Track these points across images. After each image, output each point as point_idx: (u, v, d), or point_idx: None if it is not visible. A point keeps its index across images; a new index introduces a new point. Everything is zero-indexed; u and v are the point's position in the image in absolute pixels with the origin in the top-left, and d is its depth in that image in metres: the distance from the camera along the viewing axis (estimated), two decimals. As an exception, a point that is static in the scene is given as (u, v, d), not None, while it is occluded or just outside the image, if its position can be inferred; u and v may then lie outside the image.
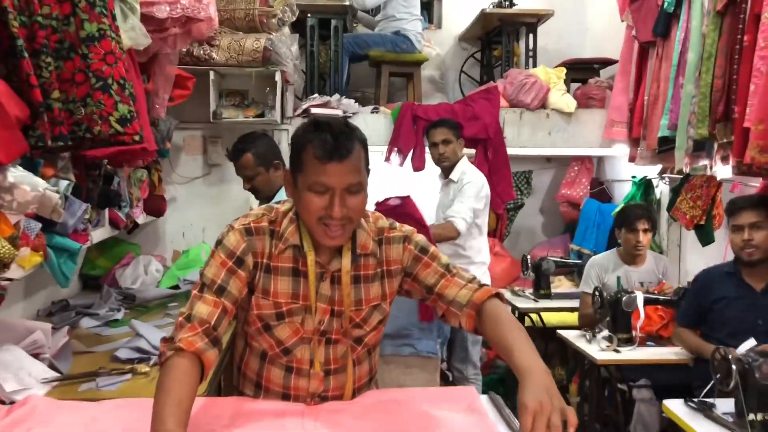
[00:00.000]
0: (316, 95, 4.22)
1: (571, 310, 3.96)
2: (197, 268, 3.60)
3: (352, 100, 4.23)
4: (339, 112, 4.10)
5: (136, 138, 1.93)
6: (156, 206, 3.53)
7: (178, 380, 1.31)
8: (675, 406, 2.30)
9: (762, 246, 2.67)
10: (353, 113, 4.15)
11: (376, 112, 4.25)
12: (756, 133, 2.48)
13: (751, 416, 2.05)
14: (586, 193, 5.29)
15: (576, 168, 5.37)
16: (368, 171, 1.51)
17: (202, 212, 4.02)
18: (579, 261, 4.31)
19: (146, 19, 2.42)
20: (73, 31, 1.78)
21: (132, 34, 2.28)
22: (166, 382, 1.31)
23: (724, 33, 2.84)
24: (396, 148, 4.05)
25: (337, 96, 4.15)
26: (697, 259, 3.86)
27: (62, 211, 1.83)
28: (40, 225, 1.86)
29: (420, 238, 1.65)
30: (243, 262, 1.50)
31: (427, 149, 3.94)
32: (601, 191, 5.35)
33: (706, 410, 2.21)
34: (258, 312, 1.54)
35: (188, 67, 3.52)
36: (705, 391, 2.40)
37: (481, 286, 1.59)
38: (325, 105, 4.11)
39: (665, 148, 3.37)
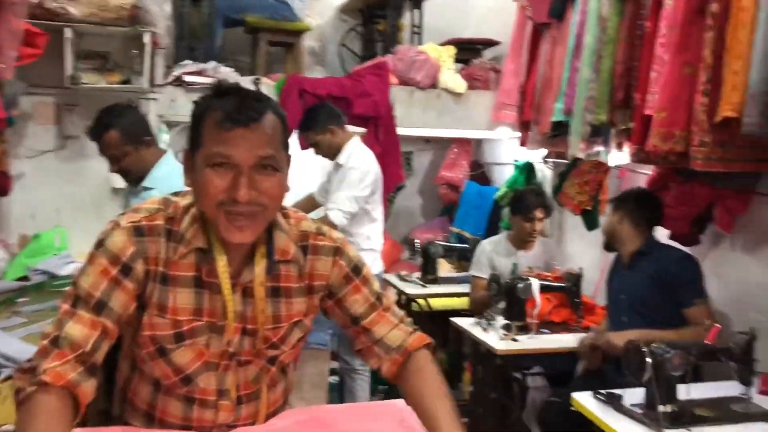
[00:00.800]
0: (188, 62, 3.81)
1: (459, 295, 3.90)
2: (50, 255, 3.16)
3: (231, 69, 3.87)
4: (214, 82, 3.72)
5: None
6: (0, 184, 3.03)
7: (45, 424, 1.03)
8: (584, 399, 2.25)
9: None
10: (233, 83, 3.78)
11: (258, 84, 3.91)
12: (658, 120, 2.47)
13: (661, 407, 2.04)
14: (466, 175, 5.28)
15: (456, 150, 5.34)
16: (288, 153, 1.24)
17: (56, 191, 3.51)
18: (467, 245, 4.25)
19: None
20: None
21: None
22: (28, 428, 1.03)
23: (625, 18, 2.81)
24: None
25: (213, 63, 3.77)
26: (578, 243, 3.93)
27: None
28: None
29: (353, 252, 1.39)
30: (131, 270, 1.20)
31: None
32: (481, 174, 5.36)
33: (615, 403, 2.17)
34: (151, 333, 1.24)
35: (39, 22, 3.02)
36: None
37: (415, 330, 1.37)
38: (199, 73, 3.72)
39: (558, 132, 3.34)
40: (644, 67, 2.67)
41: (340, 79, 4.03)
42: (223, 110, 1.14)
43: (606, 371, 2.72)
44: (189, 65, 3.71)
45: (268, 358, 1.33)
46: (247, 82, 3.88)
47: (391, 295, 4.49)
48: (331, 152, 3.34)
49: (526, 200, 3.40)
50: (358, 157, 3.27)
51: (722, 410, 2.14)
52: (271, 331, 1.30)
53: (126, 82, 3.42)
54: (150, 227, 1.22)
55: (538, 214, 3.37)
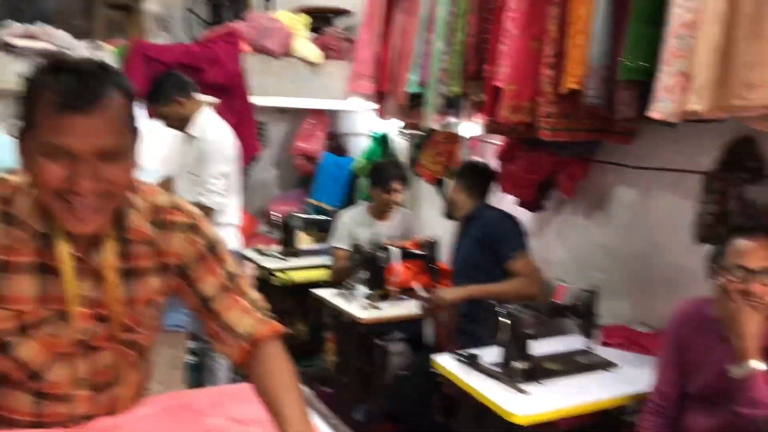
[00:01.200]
0: (14, 23, 3.43)
1: (319, 267, 3.89)
2: None
3: (65, 32, 3.54)
4: (47, 46, 3.39)
5: None
6: None
7: None
8: (444, 361, 2.33)
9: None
10: (67, 48, 3.47)
11: (96, 49, 3.61)
12: (508, 92, 2.57)
13: (516, 364, 2.16)
14: (322, 146, 5.24)
15: (312, 121, 5.28)
16: (135, 132, 1.13)
17: None
18: (326, 217, 4.24)
19: None
20: None
21: None
22: None
23: (476, -9, 2.89)
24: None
25: (44, 26, 3.42)
26: (434, 213, 4.04)
27: None
28: None
29: (210, 230, 1.31)
30: None
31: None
32: (337, 145, 5.35)
33: (473, 362, 2.27)
34: None
35: None
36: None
37: (267, 318, 1.31)
38: (27, 36, 3.36)
39: (414, 103, 3.39)
40: (494, 41, 2.75)
41: (189, 46, 3.82)
42: (58, 91, 1.01)
43: (457, 336, 2.84)
44: (15, 27, 3.34)
45: (126, 342, 1.24)
46: (82, 48, 3.57)
47: (248, 274, 4.39)
48: (180, 124, 3.18)
49: (384, 172, 3.44)
50: (214, 129, 3.14)
51: (568, 363, 2.31)
52: (126, 315, 1.21)
53: (-61, 43, 3.03)
54: None
55: (397, 185, 3.43)
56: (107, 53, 3.61)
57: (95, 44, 3.67)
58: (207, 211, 3.07)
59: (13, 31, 3.33)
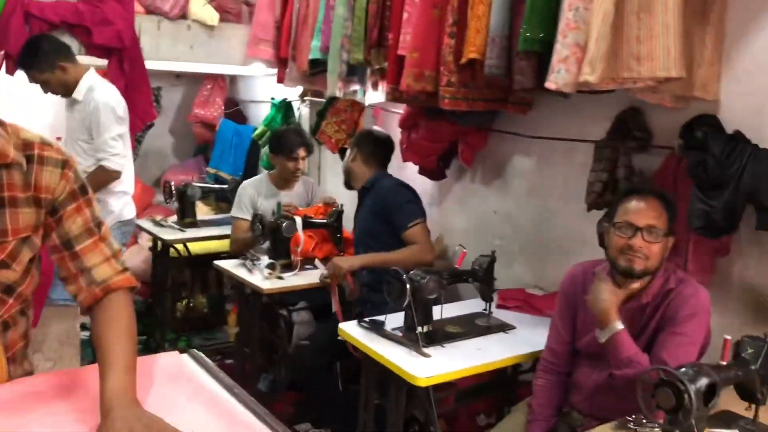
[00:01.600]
0: None
1: (219, 237, 3.81)
2: None
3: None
4: None
5: None
6: None
7: None
8: (349, 328, 2.34)
9: None
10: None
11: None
12: (411, 60, 2.57)
13: (419, 329, 2.20)
14: (220, 113, 5.10)
15: (209, 86, 5.12)
16: None
17: None
18: (225, 186, 4.13)
19: None
20: None
21: None
22: None
23: (378, -43, 2.86)
24: (3, 52, 3.24)
25: None
26: (338, 181, 4.03)
27: None
28: None
29: (80, 170, 1.31)
30: None
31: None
32: (236, 112, 5.21)
33: (378, 329, 2.30)
34: None
35: None
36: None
37: (125, 269, 1.34)
38: None
39: (316, 70, 3.35)
40: (397, 8, 2.75)
41: (75, 4, 3.57)
42: None
43: (359, 304, 2.87)
44: None
45: (3, 287, 1.22)
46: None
47: (108, 229, 4.23)
48: (65, 90, 3.01)
49: (287, 140, 3.38)
50: (102, 92, 2.98)
51: (468, 326, 2.39)
52: None
53: None
54: None
55: (301, 152, 3.38)
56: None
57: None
58: (113, 174, 2.97)
59: None
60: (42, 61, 2.94)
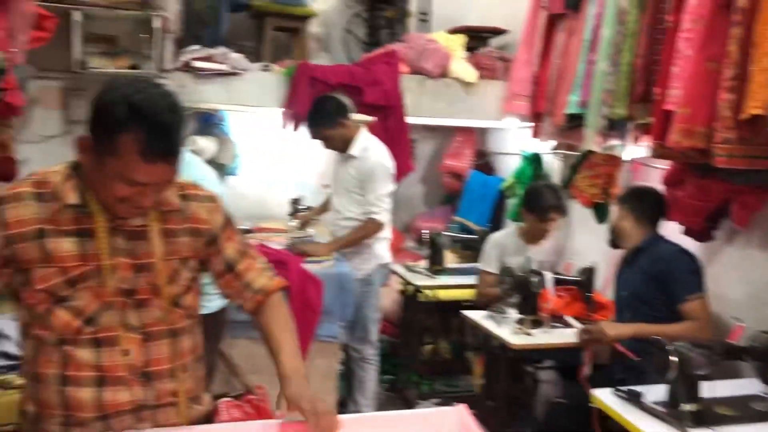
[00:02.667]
0: (197, 47, 3.74)
1: (464, 286, 3.89)
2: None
3: (241, 55, 3.80)
4: (225, 68, 3.66)
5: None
6: (6, 169, 2.97)
7: None
8: (604, 396, 2.24)
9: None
10: (242, 70, 3.73)
11: (267, 70, 3.86)
12: (681, 116, 2.44)
13: (684, 406, 2.03)
14: (470, 164, 5.24)
15: (460, 139, 5.30)
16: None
17: (62, 177, 3.44)
18: (474, 236, 4.22)
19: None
20: None
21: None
22: None
23: (646, 11, 2.78)
24: (292, 113, 3.70)
25: (223, 49, 3.70)
26: (588, 237, 3.91)
27: None
28: None
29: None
30: None
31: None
32: (485, 164, 5.32)
33: (636, 400, 2.16)
34: (44, 286, 1.31)
35: (48, 4, 2.93)
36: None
37: (274, 275, 1.62)
38: (208, 58, 3.65)
39: (573, 124, 3.31)
40: (666, 62, 2.63)
41: (350, 67, 3.97)
42: (146, 137, 1.20)
43: (613, 369, 2.71)
44: (198, 50, 3.64)
45: (171, 299, 1.42)
46: (256, 69, 3.82)
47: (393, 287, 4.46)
48: (343, 145, 3.32)
49: (542, 200, 3.32)
50: (376, 151, 3.26)
51: (744, 409, 2.14)
52: (163, 264, 1.40)
53: (134, 67, 3.36)
54: (14, 194, 1.31)
55: (554, 215, 3.34)
56: (276, 74, 3.84)
57: (266, 66, 3.90)
58: (381, 226, 3.24)
59: (196, 54, 3.62)
60: (327, 118, 3.28)
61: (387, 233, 3.42)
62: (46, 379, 1.34)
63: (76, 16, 3.16)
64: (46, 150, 3.47)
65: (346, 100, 3.40)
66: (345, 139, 3.28)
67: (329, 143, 3.33)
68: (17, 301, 1.36)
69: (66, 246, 1.31)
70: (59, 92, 3.43)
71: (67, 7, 3.10)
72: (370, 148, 3.24)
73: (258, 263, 1.59)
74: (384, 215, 3.24)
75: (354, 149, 3.25)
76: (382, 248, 3.40)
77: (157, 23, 3.27)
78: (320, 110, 3.31)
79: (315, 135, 3.34)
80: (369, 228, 3.28)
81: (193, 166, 3.09)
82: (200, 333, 1.54)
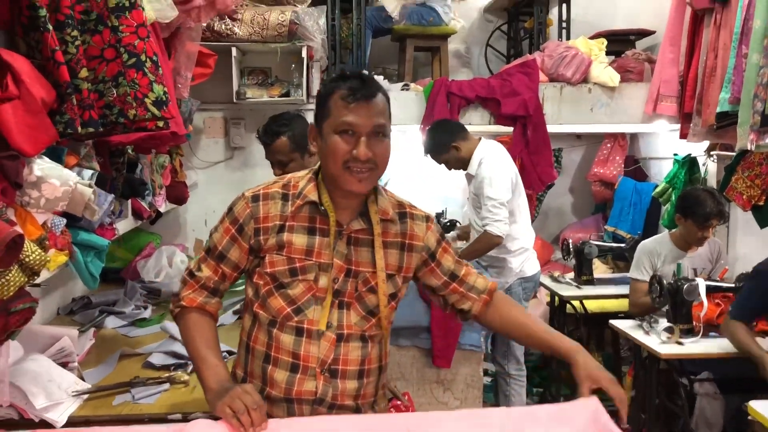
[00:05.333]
0: (341, 74, 3.97)
1: (615, 297, 3.76)
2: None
3: (381, 77, 3.99)
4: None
5: (169, 123, 1.72)
6: (179, 193, 3.33)
7: (197, 329, 1.51)
8: (761, 407, 2.09)
9: None
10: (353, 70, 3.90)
11: (407, 90, 4.01)
12: None
13: None
14: (620, 171, 5.06)
15: (609, 145, 5.13)
16: (390, 122, 1.49)
17: (225, 198, 3.73)
18: (623, 245, 4.08)
19: (170, -12, 2.19)
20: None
21: (158, 5, 2.05)
22: (188, 333, 1.52)
23: (801, -3, 2.59)
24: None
25: (366, 73, 3.90)
26: (750, 241, 3.65)
27: (96, 208, 1.61)
28: (64, 221, 1.65)
29: (437, 223, 1.67)
30: (243, 230, 1.51)
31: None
32: (636, 170, 5.12)
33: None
34: (272, 270, 1.50)
35: (208, 44, 3.27)
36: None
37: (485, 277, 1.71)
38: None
39: (724, 123, 3.13)
40: (825, 49, 2.44)
41: (487, 80, 4.01)
42: (347, 89, 1.41)
43: None
44: (341, 76, 3.87)
45: (368, 308, 1.52)
46: (397, 90, 3.98)
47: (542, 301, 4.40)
48: (462, 165, 3.33)
49: (702, 205, 3.12)
50: (488, 163, 3.22)
51: None
52: (371, 275, 1.52)
53: (286, 94, 3.63)
54: (266, 194, 1.51)
55: (714, 222, 3.15)
56: (416, 93, 3.98)
57: (406, 86, 4.05)
58: (495, 239, 3.16)
59: (340, 80, 3.85)
60: (437, 146, 3.34)
61: (524, 243, 3.36)
62: (254, 352, 1.53)
63: (234, 52, 3.49)
64: (212, 174, 3.84)
65: (453, 124, 3.45)
66: (462, 160, 3.29)
67: (449, 166, 3.37)
68: (249, 279, 1.56)
69: (298, 240, 1.49)
70: (222, 122, 3.80)
71: (226, 45, 3.44)
72: (484, 161, 3.23)
73: (472, 269, 1.68)
74: (499, 226, 3.12)
75: (471, 167, 3.27)
76: (519, 261, 3.32)
77: (304, 53, 3.53)
78: (430, 139, 3.38)
79: (435, 161, 3.41)
80: (483, 241, 3.19)
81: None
82: (388, 344, 1.63)
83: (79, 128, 1.42)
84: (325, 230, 1.49)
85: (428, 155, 3.44)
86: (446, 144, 3.32)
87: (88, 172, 1.84)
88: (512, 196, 3.27)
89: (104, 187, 2.03)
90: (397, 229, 1.56)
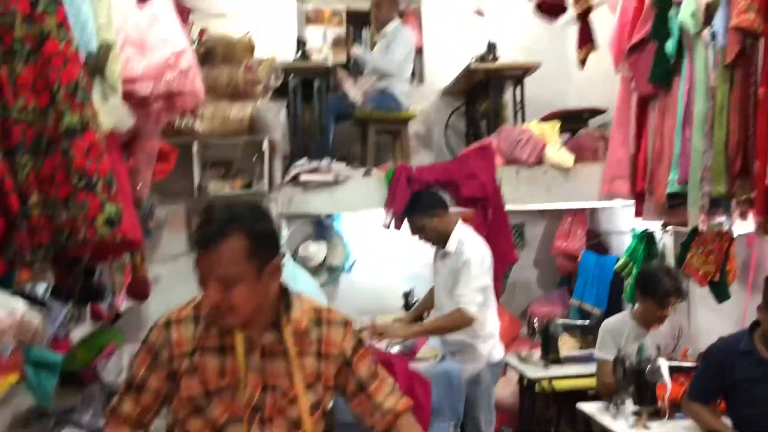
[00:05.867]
0: (303, 160, 4.04)
1: (583, 376, 3.76)
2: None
3: (343, 164, 4.06)
4: (330, 178, 3.91)
5: (125, 238, 1.72)
6: (140, 289, 3.28)
7: None
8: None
9: None
10: (345, 177, 3.96)
11: (369, 176, 4.08)
12: (784, 191, 2.34)
13: None
14: (582, 244, 5.15)
15: (569, 220, 5.24)
16: (266, 261, 1.44)
17: (189, 293, 3.73)
18: (587, 322, 4.11)
19: (127, 95, 2.24)
20: (52, 124, 1.57)
21: (113, 115, 2.08)
22: None
23: (735, 86, 2.72)
24: (392, 212, 3.85)
25: (327, 161, 3.97)
26: (710, 315, 3.70)
27: (45, 334, 1.59)
28: (13, 343, 1.62)
29: (356, 328, 1.66)
30: (158, 356, 1.52)
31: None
32: (597, 243, 5.21)
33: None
34: (187, 395, 1.51)
35: (169, 138, 3.30)
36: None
37: (402, 395, 1.67)
38: (314, 171, 3.92)
39: (675, 202, 3.23)
40: (761, 135, 2.56)
41: (446, 165, 4.11)
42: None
43: None
44: (304, 164, 3.93)
45: (291, 420, 1.51)
46: (359, 176, 4.05)
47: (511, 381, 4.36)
48: (437, 238, 3.35)
49: (659, 285, 3.16)
50: (470, 245, 3.25)
51: None
52: (287, 387, 1.51)
53: (248, 186, 3.65)
54: (178, 318, 1.54)
55: (673, 299, 3.20)
56: (377, 178, 4.04)
57: (368, 171, 4.12)
58: (469, 320, 3.14)
59: (303, 168, 3.91)
60: (422, 208, 3.38)
61: (491, 328, 3.35)
62: None
63: (195, 146, 3.53)
64: (174, 269, 3.79)
65: (442, 195, 3.51)
66: (441, 233, 3.32)
67: (425, 234, 3.35)
68: (168, 406, 1.56)
69: (210, 362, 1.49)
70: (183, 215, 3.79)
71: (186, 139, 3.47)
72: (465, 242, 3.26)
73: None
74: (473, 308, 3.11)
75: (450, 245, 3.29)
76: (488, 347, 3.30)
77: (266, 146, 3.58)
78: (417, 200, 3.46)
79: (412, 224, 3.42)
80: (455, 318, 3.14)
81: (296, 278, 3.27)
82: None
83: (28, 256, 1.41)
84: (233, 347, 1.50)
85: (409, 215, 3.47)
86: (433, 208, 3.37)
87: (42, 287, 1.82)
88: (489, 282, 3.31)
89: (60, 297, 2.01)
90: (313, 336, 1.56)
